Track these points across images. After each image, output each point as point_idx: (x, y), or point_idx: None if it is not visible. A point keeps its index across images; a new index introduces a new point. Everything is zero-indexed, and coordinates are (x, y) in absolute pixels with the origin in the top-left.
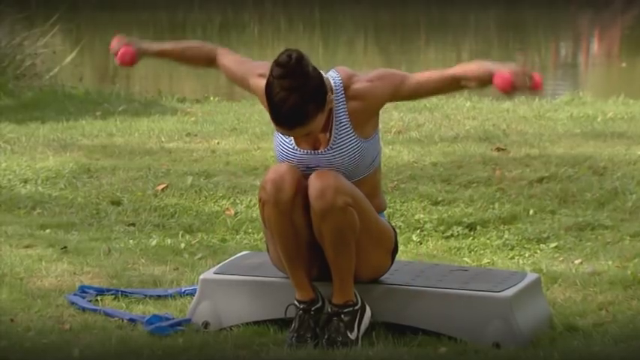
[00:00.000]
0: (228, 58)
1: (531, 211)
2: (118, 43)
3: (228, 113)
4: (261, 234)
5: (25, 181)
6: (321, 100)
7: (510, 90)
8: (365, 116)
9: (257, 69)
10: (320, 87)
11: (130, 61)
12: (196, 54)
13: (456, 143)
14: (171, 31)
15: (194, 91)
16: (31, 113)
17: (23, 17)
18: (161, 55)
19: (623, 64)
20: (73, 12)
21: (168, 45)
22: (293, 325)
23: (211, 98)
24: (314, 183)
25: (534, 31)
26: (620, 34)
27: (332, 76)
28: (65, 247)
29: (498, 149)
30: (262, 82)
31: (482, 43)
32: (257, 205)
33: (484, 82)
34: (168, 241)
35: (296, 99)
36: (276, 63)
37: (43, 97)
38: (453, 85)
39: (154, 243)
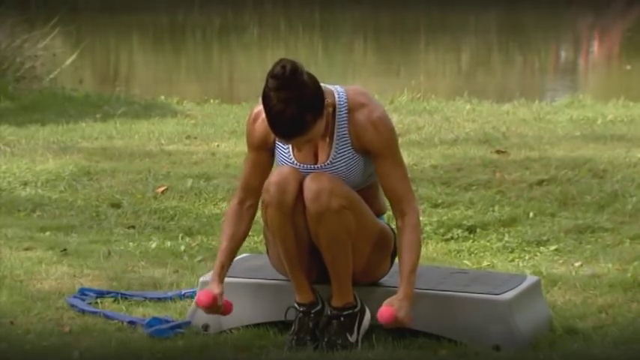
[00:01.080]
0: (247, 190)
1: (531, 214)
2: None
3: (228, 116)
4: (261, 236)
5: (25, 184)
6: (319, 106)
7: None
8: (358, 143)
9: (251, 151)
10: (316, 94)
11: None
12: (245, 231)
13: (456, 146)
14: (172, 32)
15: (194, 94)
16: (31, 116)
17: (23, 19)
18: (227, 270)
19: (628, 67)
20: (74, 14)
21: (223, 261)
22: (293, 327)
23: (211, 101)
24: (309, 186)
25: (534, 32)
26: (620, 36)
27: (337, 90)
28: (65, 250)
29: (498, 152)
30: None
31: (483, 44)
32: (259, 206)
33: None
34: (168, 243)
35: (293, 110)
36: (271, 75)
37: (43, 100)
38: (395, 215)
39: (153, 245)
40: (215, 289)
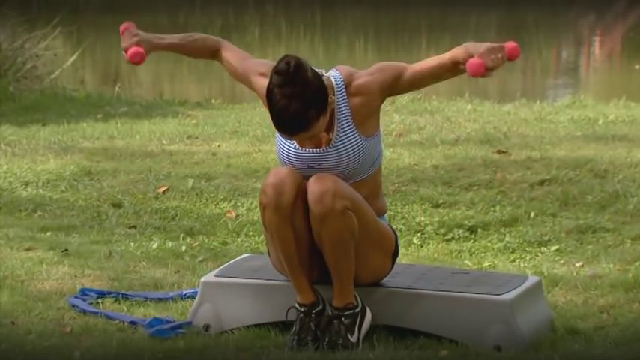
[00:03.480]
0: (230, 52)
1: (532, 214)
2: (128, 40)
3: (229, 116)
4: (262, 237)
5: (26, 184)
6: (323, 103)
7: (484, 74)
8: (367, 111)
9: (258, 67)
10: (320, 91)
11: (140, 60)
12: (201, 46)
13: (457, 146)
14: (173, 32)
15: (195, 94)
16: (32, 116)
17: (24, 20)
18: (168, 48)
19: (637, 67)
20: (75, 14)
21: (174, 39)
22: (294, 327)
23: (212, 101)
24: (313, 187)
25: (535, 33)
26: (621, 36)
27: (333, 75)
28: (66, 250)
29: (499, 152)
30: (263, 81)
31: None
32: (258, 208)
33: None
34: (169, 243)
35: (297, 106)
36: (275, 71)
37: (44, 100)
38: (451, 70)
39: (154, 246)
40: (149, 40)
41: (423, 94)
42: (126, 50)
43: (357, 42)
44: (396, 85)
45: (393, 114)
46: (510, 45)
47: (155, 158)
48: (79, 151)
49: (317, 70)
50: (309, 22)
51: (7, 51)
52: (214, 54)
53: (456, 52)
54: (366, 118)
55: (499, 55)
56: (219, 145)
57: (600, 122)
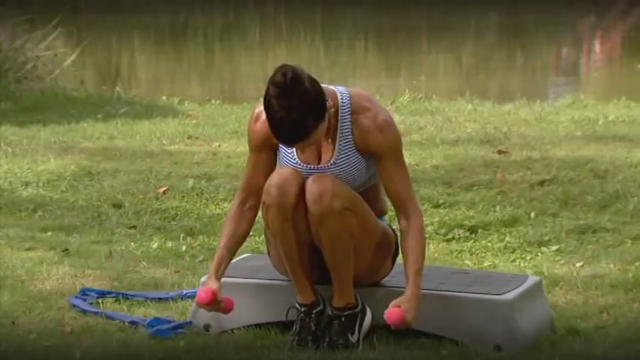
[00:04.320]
0: (252, 197)
1: (533, 214)
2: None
3: (230, 116)
4: (263, 236)
5: (27, 184)
6: (321, 111)
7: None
8: (362, 145)
9: (253, 152)
10: (318, 99)
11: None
12: (240, 232)
13: (458, 146)
14: (173, 33)
15: (195, 94)
16: (33, 116)
17: (25, 20)
18: (225, 268)
19: (639, 66)
20: (75, 15)
21: (222, 258)
22: (294, 327)
23: (213, 101)
24: (311, 187)
25: (535, 34)
26: (622, 36)
27: (340, 92)
28: (66, 250)
29: (500, 152)
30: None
31: (484, 44)
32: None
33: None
34: (170, 243)
35: (295, 117)
36: (272, 82)
37: (44, 100)
38: (398, 218)
39: (155, 246)
40: (213, 285)
41: (423, 94)
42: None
43: (357, 42)
44: (376, 159)
45: (394, 114)
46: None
47: (155, 158)
48: (79, 151)
49: (324, 85)
50: (309, 22)
51: (7, 51)
52: (254, 215)
53: (407, 266)
54: (365, 145)
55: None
56: (219, 145)
57: (600, 122)
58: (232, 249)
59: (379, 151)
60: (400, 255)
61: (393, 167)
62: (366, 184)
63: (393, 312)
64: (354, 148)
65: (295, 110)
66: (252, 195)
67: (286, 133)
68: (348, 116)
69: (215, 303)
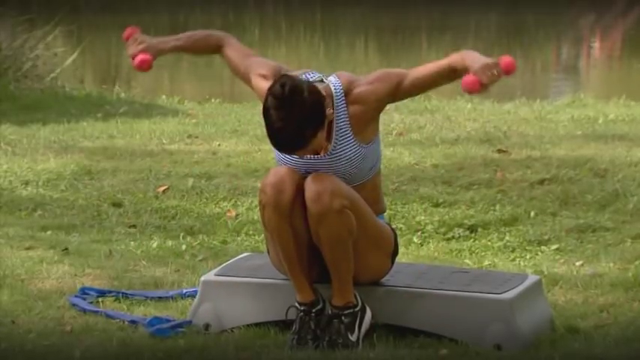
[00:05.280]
0: (233, 49)
1: (532, 213)
2: (134, 47)
3: (229, 115)
4: (262, 236)
5: (26, 183)
6: (319, 121)
7: (479, 91)
8: (366, 119)
9: (259, 68)
10: (316, 109)
11: (148, 67)
12: (204, 45)
13: (457, 145)
14: (173, 32)
15: (195, 93)
16: (33, 115)
17: (24, 19)
18: (173, 50)
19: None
20: (74, 14)
21: (179, 41)
22: (294, 327)
23: (212, 100)
24: (310, 186)
25: (535, 33)
26: (621, 35)
27: (332, 82)
28: (66, 249)
29: (499, 151)
30: (263, 84)
31: (483, 44)
32: (258, 207)
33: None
34: (170, 242)
35: (293, 128)
36: (270, 93)
37: (44, 99)
38: (449, 77)
39: (155, 245)
40: (155, 45)
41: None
42: (132, 57)
43: (357, 42)
44: (395, 94)
45: (393, 113)
46: (506, 59)
47: (155, 157)
48: (79, 151)
49: (317, 75)
50: (309, 21)
51: (7, 50)
52: (217, 50)
53: (454, 59)
54: (365, 126)
55: (494, 71)
56: (219, 145)
57: (600, 121)
58: (193, 43)
59: (392, 90)
60: (400, 254)
61: (408, 79)
62: (367, 174)
63: (468, 81)
64: (351, 136)
65: (293, 121)
66: (229, 49)
67: (284, 142)
68: (343, 102)
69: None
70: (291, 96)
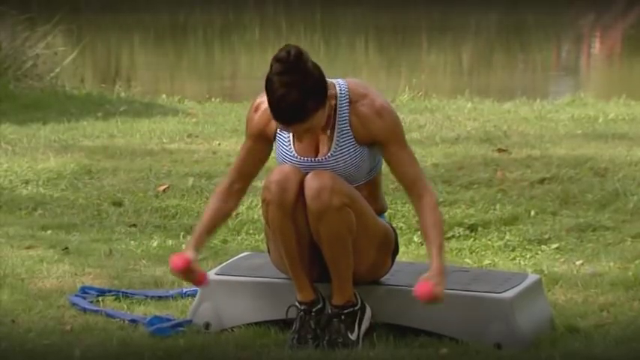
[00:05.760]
0: (241, 177)
1: (532, 212)
2: (191, 276)
3: (230, 114)
4: (262, 235)
5: (27, 182)
6: (322, 95)
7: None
8: (363, 135)
9: (247, 141)
10: (320, 82)
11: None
12: (225, 216)
13: (457, 144)
14: (173, 31)
15: (195, 93)
16: (33, 114)
17: (25, 18)
18: (205, 241)
19: None
20: (75, 13)
21: (203, 231)
22: (294, 326)
23: (212, 99)
24: (310, 184)
25: (535, 32)
26: (621, 35)
27: (339, 83)
28: (66, 248)
29: (499, 150)
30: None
31: (484, 43)
32: (258, 206)
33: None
34: (170, 242)
35: (296, 95)
36: (276, 59)
37: (44, 98)
38: (411, 199)
39: (155, 244)
40: (190, 254)
41: (423, 93)
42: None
43: (357, 42)
44: (380, 146)
45: None
46: (422, 291)
47: (155, 156)
48: (79, 150)
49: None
50: (309, 21)
51: (7, 49)
52: (238, 195)
53: (431, 238)
54: (364, 135)
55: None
56: (219, 144)
57: (600, 120)
58: (215, 223)
59: (381, 137)
60: (400, 253)
61: (397, 150)
62: (365, 177)
63: (422, 286)
64: (352, 139)
65: (296, 88)
66: (240, 179)
67: (285, 111)
68: (347, 107)
69: (188, 271)
70: (296, 61)
